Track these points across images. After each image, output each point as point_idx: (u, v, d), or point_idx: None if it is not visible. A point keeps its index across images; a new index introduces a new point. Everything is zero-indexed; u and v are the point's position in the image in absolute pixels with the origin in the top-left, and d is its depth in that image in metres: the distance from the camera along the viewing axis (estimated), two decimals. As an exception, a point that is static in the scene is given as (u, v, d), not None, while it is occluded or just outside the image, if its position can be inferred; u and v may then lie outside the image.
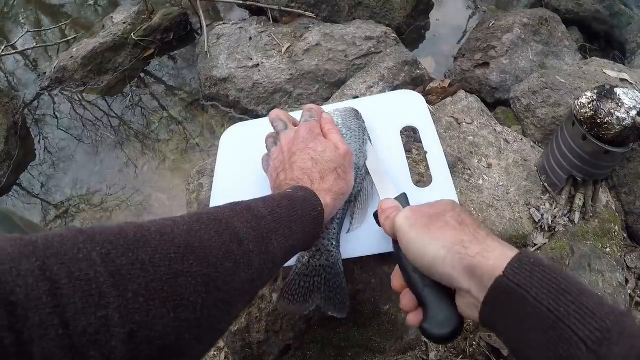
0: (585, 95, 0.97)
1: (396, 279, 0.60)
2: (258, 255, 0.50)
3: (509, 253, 0.44)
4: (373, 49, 1.68)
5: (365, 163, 0.84)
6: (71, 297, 0.30)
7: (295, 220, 0.58)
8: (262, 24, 1.90)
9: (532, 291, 0.40)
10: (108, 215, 1.63)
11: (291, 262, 0.75)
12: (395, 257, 0.60)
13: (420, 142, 0.91)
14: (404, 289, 0.58)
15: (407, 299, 0.56)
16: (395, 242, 0.59)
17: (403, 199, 0.69)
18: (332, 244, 0.74)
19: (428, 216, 0.54)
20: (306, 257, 0.74)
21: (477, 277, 0.44)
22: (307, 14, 1.87)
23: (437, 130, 0.95)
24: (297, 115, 0.85)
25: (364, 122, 0.91)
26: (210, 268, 0.42)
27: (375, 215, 0.68)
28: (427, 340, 0.96)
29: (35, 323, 0.27)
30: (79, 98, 2.03)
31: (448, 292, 0.52)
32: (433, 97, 1.35)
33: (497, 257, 0.44)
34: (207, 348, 0.44)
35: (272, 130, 0.81)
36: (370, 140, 0.87)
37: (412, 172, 0.85)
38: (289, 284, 0.73)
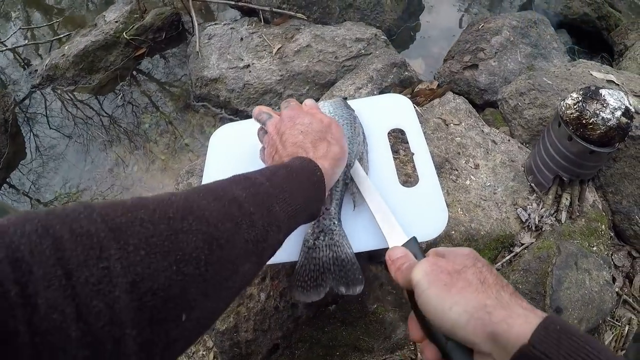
0: (571, 96, 0.98)
1: (414, 329, 0.56)
2: (260, 217, 0.50)
3: (533, 320, 0.42)
4: (363, 51, 1.68)
5: (365, 159, 0.86)
6: (73, 251, 0.31)
7: (296, 185, 0.59)
8: (254, 24, 1.91)
9: None
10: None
11: (295, 256, 0.75)
12: (411, 306, 0.56)
13: (407, 143, 0.92)
14: (423, 340, 0.55)
15: (430, 352, 0.52)
16: (411, 292, 0.55)
17: (413, 245, 0.64)
18: (334, 222, 0.75)
19: (448, 273, 0.50)
20: (311, 241, 0.75)
21: (501, 344, 0.42)
22: (298, 15, 1.88)
23: (425, 131, 0.96)
24: None
25: (354, 112, 0.92)
26: (211, 227, 0.43)
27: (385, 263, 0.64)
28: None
29: (40, 275, 0.28)
30: (70, 96, 2.02)
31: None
32: (421, 99, 1.36)
33: (522, 323, 0.42)
34: (219, 305, 0.45)
35: None
36: (367, 163, 0.88)
37: (399, 173, 0.86)
38: (299, 272, 0.73)
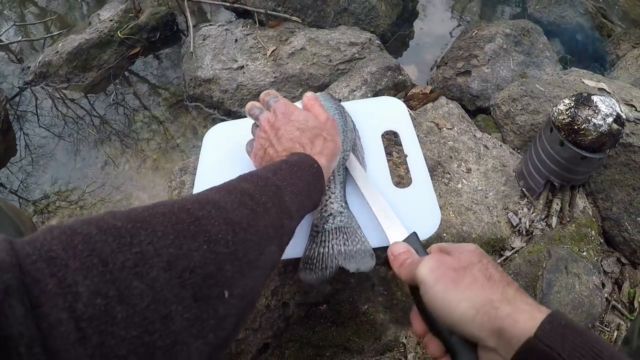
0: (563, 102, 0.99)
1: (417, 323, 0.56)
2: (273, 206, 0.53)
3: (538, 315, 0.43)
4: (357, 55, 1.69)
5: (362, 158, 0.87)
6: (104, 242, 0.33)
7: (299, 176, 0.61)
8: (248, 26, 1.91)
9: (563, 354, 0.39)
10: (88, 213, 1.62)
11: (299, 252, 0.75)
12: (415, 301, 0.57)
13: (401, 145, 0.93)
14: (426, 334, 0.55)
15: (434, 346, 0.53)
16: (414, 288, 0.55)
17: (414, 240, 0.64)
18: (342, 205, 0.76)
19: (454, 270, 0.51)
20: (320, 225, 0.75)
21: (506, 338, 0.43)
22: (293, 18, 1.88)
23: (418, 135, 0.97)
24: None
25: (340, 102, 0.93)
26: (230, 213, 0.45)
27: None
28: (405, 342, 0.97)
29: (76, 267, 0.30)
30: (62, 94, 2.01)
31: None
32: (414, 103, 1.37)
33: (527, 319, 0.43)
34: (256, 282, 0.47)
35: None
36: (364, 161, 0.88)
37: (392, 174, 0.86)
38: (308, 254, 0.73)
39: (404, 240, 0.65)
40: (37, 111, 1.97)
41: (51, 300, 0.27)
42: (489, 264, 0.52)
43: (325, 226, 0.74)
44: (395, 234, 0.68)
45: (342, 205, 0.76)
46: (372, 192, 0.78)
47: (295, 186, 0.59)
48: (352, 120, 0.92)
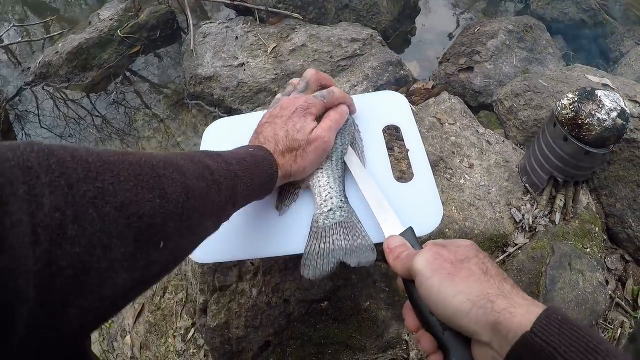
0: (567, 97, 0.98)
1: (410, 318, 0.56)
2: (226, 189, 0.56)
3: (535, 310, 0.43)
4: (358, 51, 1.68)
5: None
6: (75, 170, 0.36)
7: (257, 174, 0.64)
8: (249, 24, 1.90)
9: (560, 349, 0.39)
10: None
11: (299, 249, 0.75)
12: (408, 295, 0.56)
13: (403, 140, 0.92)
14: (419, 330, 0.55)
15: (427, 341, 0.53)
16: (409, 282, 0.55)
17: (410, 235, 0.64)
18: (342, 200, 0.76)
19: (451, 263, 0.51)
20: (321, 220, 0.74)
21: (502, 333, 0.43)
22: (294, 15, 1.88)
23: (420, 130, 0.96)
24: None
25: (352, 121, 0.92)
26: (188, 180, 0.49)
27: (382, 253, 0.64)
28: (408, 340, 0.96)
29: (47, 182, 0.34)
30: (63, 94, 2.01)
31: (466, 337, 0.49)
32: (416, 98, 1.36)
33: (523, 313, 0.43)
34: (187, 246, 0.51)
35: (254, 127, 0.81)
36: (364, 155, 0.87)
37: (394, 170, 0.85)
38: (309, 250, 0.73)
39: (400, 235, 0.65)
40: (38, 112, 1.98)
41: (18, 203, 0.31)
42: (486, 259, 0.52)
43: (326, 222, 0.74)
44: (391, 228, 0.68)
45: (341, 200, 0.76)
46: (369, 187, 0.77)
47: (251, 180, 0.62)
48: (353, 121, 0.91)
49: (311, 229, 0.75)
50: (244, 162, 0.63)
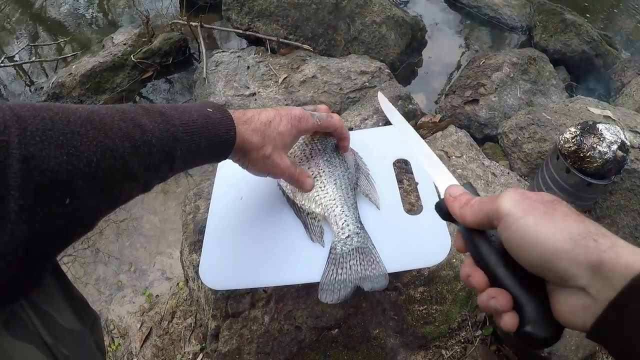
0: (569, 130, 1.02)
1: (477, 275, 0.49)
2: (159, 151, 0.55)
3: None
4: (367, 83, 1.73)
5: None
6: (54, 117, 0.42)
7: (206, 136, 0.62)
8: (260, 54, 1.95)
9: None
10: (98, 234, 1.64)
11: (314, 277, 0.77)
12: (474, 250, 0.50)
13: (412, 173, 0.95)
14: (487, 287, 0.48)
15: (503, 298, 0.45)
16: (473, 233, 0.50)
17: (470, 188, 0.56)
18: (358, 226, 0.79)
19: (542, 203, 0.44)
20: (339, 246, 0.77)
21: (604, 275, 0.37)
22: (305, 46, 1.93)
23: (428, 162, 0.98)
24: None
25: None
26: (108, 139, 0.49)
27: (438, 206, 0.57)
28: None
29: (37, 126, 0.40)
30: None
31: (540, 289, 0.44)
32: (424, 131, 1.40)
33: (629, 253, 0.37)
34: (101, 205, 0.51)
35: None
36: (374, 188, 0.90)
37: (403, 202, 0.88)
38: (328, 277, 0.75)
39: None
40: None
41: (27, 139, 0.40)
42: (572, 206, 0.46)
43: (344, 248, 0.77)
44: (445, 181, 0.60)
45: (357, 227, 0.79)
46: (420, 144, 0.71)
47: (196, 144, 0.60)
48: (355, 157, 0.93)
49: (329, 255, 0.78)
50: (192, 124, 0.60)
